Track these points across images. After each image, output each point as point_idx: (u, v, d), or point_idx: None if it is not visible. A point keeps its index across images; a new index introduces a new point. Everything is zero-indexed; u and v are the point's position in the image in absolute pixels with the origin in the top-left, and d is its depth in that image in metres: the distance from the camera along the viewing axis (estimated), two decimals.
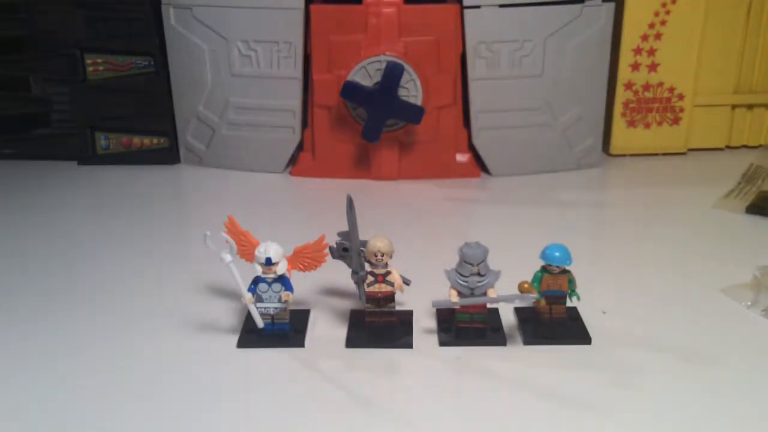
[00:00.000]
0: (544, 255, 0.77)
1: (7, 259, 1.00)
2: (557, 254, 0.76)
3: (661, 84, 1.30)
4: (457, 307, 0.77)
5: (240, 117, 1.29)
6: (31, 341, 0.80)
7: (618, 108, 1.32)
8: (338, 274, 0.82)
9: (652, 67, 1.29)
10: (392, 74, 1.16)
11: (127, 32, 1.29)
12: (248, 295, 0.77)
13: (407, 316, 0.82)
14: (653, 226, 1.08)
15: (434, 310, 0.82)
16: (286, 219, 1.13)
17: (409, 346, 0.78)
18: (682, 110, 1.32)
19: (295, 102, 1.26)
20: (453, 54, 1.22)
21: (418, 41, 1.19)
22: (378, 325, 0.79)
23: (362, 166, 1.26)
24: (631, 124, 1.33)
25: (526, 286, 0.75)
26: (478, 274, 0.76)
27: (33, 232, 1.08)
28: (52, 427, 0.67)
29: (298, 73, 1.25)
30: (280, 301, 0.78)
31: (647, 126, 1.33)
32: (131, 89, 1.32)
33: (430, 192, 1.22)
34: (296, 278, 0.80)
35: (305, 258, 0.81)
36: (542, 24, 1.20)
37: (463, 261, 0.76)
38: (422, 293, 0.81)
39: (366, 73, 1.18)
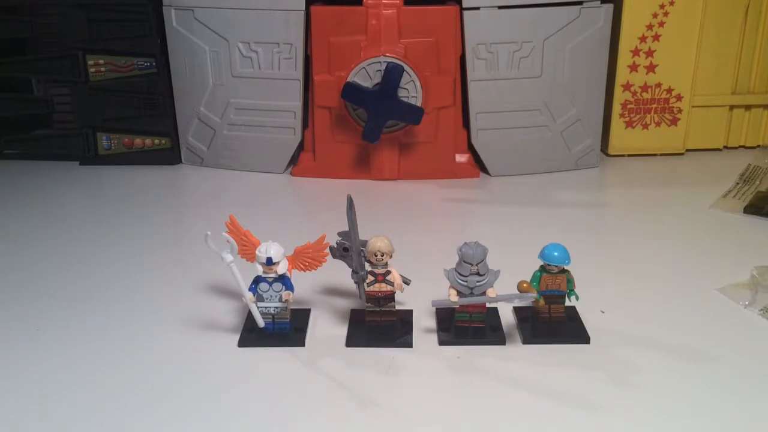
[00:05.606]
0: (542, 255, 0.77)
1: (8, 258, 1.00)
2: (556, 254, 0.76)
3: (659, 85, 1.31)
4: (457, 306, 0.78)
5: (241, 118, 1.29)
6: (32, 340, 0.80)
7: (616, 109, 1.32)
8: (338, 273, 0.83)
9: (651, 68, 1.30)
10: (392, 75, 1.16)
11: (128, 33, 1.29)
12: (249, 295, 0.77)
13: (407, 315, 0.83)
14: (651, 226, 1.08)
15: (434, 309, 0.82)
16: (286, 219, 1.13)
17: (409, 345, 0.78)
18: (680, 111, 1.33)
19: (296, 103, 1.27)
20: (452, 55, 1.22)
21: (418, 42, 1.20)
22: (378, 324, 0.80)
23: (362, 166, 1.27)
24: (630, 124, 1.34)
25: (525, 285, 0.76)
26: (478, 273, 0.76)
27: (35, 232, 1.09)
28: (53, 425, 0.67)
29: (299, 74, 1.25)
30: (280, 300, 0.78)
31: (645, 127, 1.34)
32: (133, 90, 1.33)
33: (430, 192, 1.22)
34: (297, 278, 0.80)
35: (306, 258, 0.81)
36: (541, 25, 1.21)
37: (463, 260, 0.76)
38: (422, 293, 0.82)
39: (366, 74, 1.19)
